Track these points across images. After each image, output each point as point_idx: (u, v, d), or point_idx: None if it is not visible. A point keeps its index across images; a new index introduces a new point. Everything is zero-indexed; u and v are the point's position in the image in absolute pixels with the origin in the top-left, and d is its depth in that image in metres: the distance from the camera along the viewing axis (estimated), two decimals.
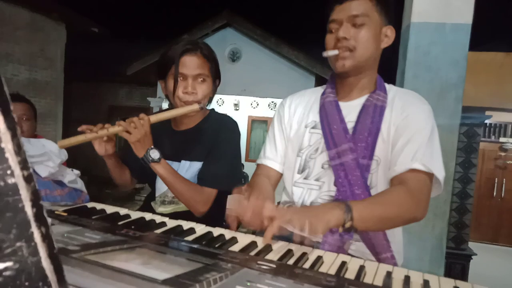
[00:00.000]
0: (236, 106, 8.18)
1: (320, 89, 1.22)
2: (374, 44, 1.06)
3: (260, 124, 8.26)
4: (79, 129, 1.18)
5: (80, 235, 0.70)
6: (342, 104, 1.12)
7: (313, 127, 1.14)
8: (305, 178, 1.12)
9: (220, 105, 8.16)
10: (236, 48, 7.69)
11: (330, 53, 1.07)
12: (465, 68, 1.91)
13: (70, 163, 1.86)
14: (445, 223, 2.03)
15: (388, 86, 1.13)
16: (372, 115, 1.06)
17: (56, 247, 0.36)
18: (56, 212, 0.87)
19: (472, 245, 4.73)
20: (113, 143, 1.25)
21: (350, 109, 1.10)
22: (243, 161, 7.75)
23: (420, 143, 0.98)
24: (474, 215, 5.01)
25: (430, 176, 0.96)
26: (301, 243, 0.84)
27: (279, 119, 1.24)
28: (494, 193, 7.22)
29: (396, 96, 1.09)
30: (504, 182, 7.16)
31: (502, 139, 7.06)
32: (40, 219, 0.34)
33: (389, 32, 1.08)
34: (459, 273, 4.22)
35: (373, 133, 1.04)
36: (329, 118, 1.10)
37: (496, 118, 6.43)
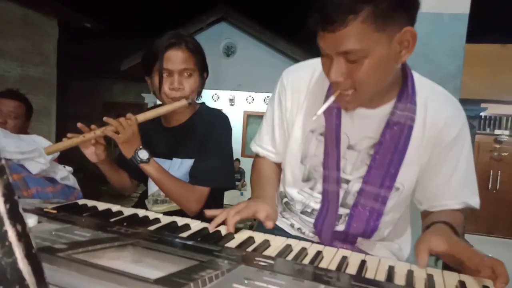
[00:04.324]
0: (232, 101, 8.14)
1: None
2: (383, 71, 0.79)
3: (256, 119, 8.22)
4: (69, 135, 1.14)
5: (69, 233, 0.66)
6: (360, 112, 0.90)
7: (320, 134, 0.95)
8: (310, 188, 1.00)
9: (215, 101, 8.12)
10: (231, 42, 7.63)
11: (323, 108, 0.83)
12: (463, 58, 1.89)
13: (65, 159, 1.82)
14: None
15: (417, 83, 0.89)
16: (399, 137, 0.87)
17: (35, 246, 0.33)
18: (45, 209, 0.84)
19: (468, 237, 4.74)
20: (102, 147, 1.21)
21: (370, 121, 0.90)
22: (239, 156, 7.72)
23: (462, 177, 0.92)
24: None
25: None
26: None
27: (280, 106, 1.03)
28: (489, 185, 7.26)
29: (428, 106, 0.89)
30: (499, 174, 7.20)
31: (497, 131, 7.08)
32: (14, 216, 0.31)
33: (408, 37, 0.76)
34: None
35: (397, 160, 0.89)
36: (328, 132, 0.93)
37: (491, 110, 6.44)
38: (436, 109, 0.89)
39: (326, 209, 0.97)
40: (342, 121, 0.91)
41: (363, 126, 0.91)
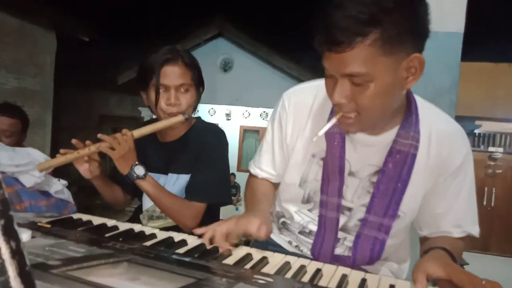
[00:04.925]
0: (228, 116, 8.15)
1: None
2: (388, 98, 0.77)
3: (252, 134, 8.23)
4: (61, 151, 1.13)
5: (63, 248, 0.65)
6: (362, 138, 0.88)
7: (321, 158, 0.93)
8: (309, 210, 0.98)
9: (211, 115, 8.13)
10: (228, 58, 7.68)
11: (324, 129, 0.81)
12: (458, 74, 1.91)
13: (59, 172, 1.79)
14: None
15: (421, 109, 0.88)
16: (402, 167, 0.86)
17: (29, 263, 0.31)
18: (38, 224, 0.82)
19: (463, 254, 4.71)
20: (97, 164, 1.19)
21: (374, 149, 0.88)
22: (235, 171, 7.69)
23: (464, 208, 0.91)
24: None
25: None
26: None
27: (280, 129, 1.00)
28: (485, 202, 7.26)
29: (432, 134, 0.87)
30: (494, 191, 7.21)
31: (491, 149, 7.13)
32: (9, 233, 0.30)
33: (415, 63, 0.74)
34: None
35: (400, 189, 0.87)
36: (328, 157, 0.91)
37: (485, 127, 6.50)
38: (440, 138, 0.87)
39: (323, 235, 0.95)
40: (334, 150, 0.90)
41: (366, 153, 0.89)
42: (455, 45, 1.93)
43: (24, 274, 0.31)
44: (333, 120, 0.80)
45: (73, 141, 1.14)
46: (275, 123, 1.02)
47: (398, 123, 0.86)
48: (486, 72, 4.35)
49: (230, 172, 1.37)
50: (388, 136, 0.87)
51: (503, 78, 4.39)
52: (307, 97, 0.96)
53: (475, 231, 0.93)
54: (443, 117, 0.92)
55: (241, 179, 7.36)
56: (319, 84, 0.91)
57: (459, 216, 0.91)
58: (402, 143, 0.85)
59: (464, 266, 4.38)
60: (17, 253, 0.30)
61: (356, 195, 0.92)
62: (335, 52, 0.71)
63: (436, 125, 0.88)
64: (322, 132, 0.81)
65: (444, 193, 0.90)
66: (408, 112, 0.87)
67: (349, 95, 0.75)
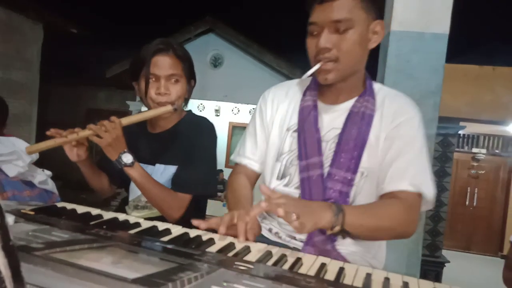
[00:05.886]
0: (217, 112, 8.14)
1: (306, 82, 1.13)
2: (360, 49, 0.96)
3: (241, 130, 8.23)
4: (48, 133, 1.13)
5: (46, 233, 0.65)
6: (327, 108, 1.05)
7: (295, 131, 1.06)
8: (284, 185, 1.06)
9: (201, 110, 8.11)
10: (218, 53, 7.67)
11: (310, 72, 0.97)
12: (442, 76, 1.95)
13: (42, 166, 1.78)
14: (420, 228, 2.07)
15: (376, 86, 1.06)
16: (360, 125, 0.99)
17: (12, 238, 0.32)
18: (22, 211, 0.82)
19: (445, 252, 4.83)
20: (84, 148, 1.20)
21: (336, 114, 1.04)
22: (223, 167, 7.69)
23: (410, 159, 0.96)
24: (447, 223, 5.12)
25: (419, 194, 0.95)
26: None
27: (261, 114, 1.15)
28: (467, 202, 7.43)
29: (385, 100, 1.03)
30: (476, 191, 7.38)
31: (474, 150, 7.30)
32: None
33: (378, 28, 0.97)
34: (433, 280, 4.28)
35: (359, 145, 0.98)
36: (305, 125, 1.04)
37: (469, 129, 6.64)
38: (391, 102, 1.02)
39: (309, 196, 0.99)
40: (306, 119, 1.04)
41: (330, 118, 1.04)
42: (441, 46, 1.97)
43: (8, 249, 0.32)
44: (317, 66, 0.96)
45: (58, 131, 1.15)
46: (256, 113, 1.18)
47: (357, 95, 1.04)
48: (470, 75, 4.44)
49: (218, 168, 1.39)
50: (349, 104, 1.04)
51: (487, 81, 4.49)
52: (284, 86, 1.17)
53: (427, 190, 0.95)
54: (396, 92, 1.07)
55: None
56: (293, 80, 1.18)
57: (405, 169, 0.95)
58: (360, 106, 1.01)
59: (446, 265, 4.47)
60: (1, 227, 0.31)
61: (325, 157, 1.01)
62: (327, 1, 0.91)
63: (388, 95, 1.04)
64: (310, 72, 0.97)
65: (390, 147, 0.98)
66: (364, 87, 1.05)
67: (333, 41, 0.93)
